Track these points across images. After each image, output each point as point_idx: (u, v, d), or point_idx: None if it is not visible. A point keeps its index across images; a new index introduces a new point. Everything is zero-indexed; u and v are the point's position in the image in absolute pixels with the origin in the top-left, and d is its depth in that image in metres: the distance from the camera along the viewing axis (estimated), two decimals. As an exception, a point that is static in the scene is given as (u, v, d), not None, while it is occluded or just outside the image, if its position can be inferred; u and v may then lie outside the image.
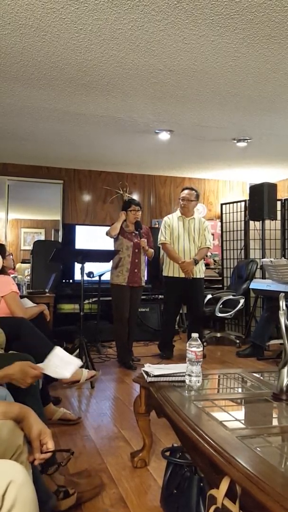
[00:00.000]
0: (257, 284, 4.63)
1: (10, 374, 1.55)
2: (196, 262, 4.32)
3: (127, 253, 4.16)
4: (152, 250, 4.30)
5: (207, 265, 6.13)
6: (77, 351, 3.55)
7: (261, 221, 5.26)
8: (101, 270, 4.91)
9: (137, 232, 4.20)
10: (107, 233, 4.22)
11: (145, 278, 4.36)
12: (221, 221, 6.30)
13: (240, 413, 1.71)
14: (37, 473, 1.43)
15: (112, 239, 4.25)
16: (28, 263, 5.85)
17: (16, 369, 1.56)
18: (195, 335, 1.89)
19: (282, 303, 1.76)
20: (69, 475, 1.93)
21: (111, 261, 4.23)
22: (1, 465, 1.04)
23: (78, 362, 1.84)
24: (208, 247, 4.46)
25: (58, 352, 1.81)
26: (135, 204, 4.27)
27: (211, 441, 1.27)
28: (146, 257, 4.36)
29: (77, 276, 4.92)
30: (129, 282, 4.14)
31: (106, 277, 4.93)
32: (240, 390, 2.04)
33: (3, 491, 0.96)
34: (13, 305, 2.88)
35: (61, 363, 1.77)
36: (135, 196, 6.44)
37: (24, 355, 1.81)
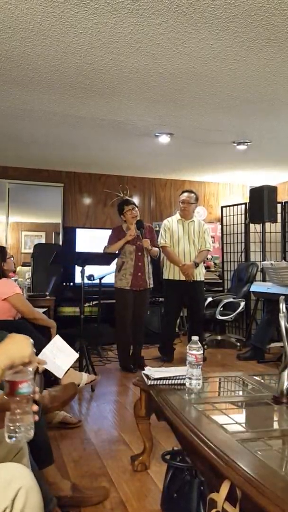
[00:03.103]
0: (258, 286, 4.63)
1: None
2: (196, 265, 4.32)
3: (130, 257, 4.09)
4: (157, 249, 4.22)
5: (207, 267, 6.13)
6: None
7: (261, 224, 5.27)
8: (102, 273, 4.91)
9: (139, 233, 4.06)
10: (106, 252, 4.06)
11: (151, 279, 4.21)
12: (222, 224, 6.30)
13: (240, 417, 1.70)
14: (38, 475, 1.43)
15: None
16: (29, 266, 5.85)
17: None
18: (195, 338, 1.89)
19: (282, 306, 1.75)
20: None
21: (114, 264, 4.19)
22: (10, 468, 1.04)
23: (75, 355, 1.91)
24: (208, 250, 4.46)
25: (58, 341, 1.88)
26: (128, 204, 4.16)
27: (212, 445, 1.26)
28: (150, 258, 4.22)
29: (78, 279, 4.91)
30: (132, 286, 4.07)
31: (107, 280, 4.93)
32: (240, 393, 2.04)
33: (13, 495, 0.96)
34: (20, 305, 2.92)
35: (60, 354, 1.83)
36: (135, 199, 6.43)
37: None
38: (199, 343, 1.87)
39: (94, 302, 5.24)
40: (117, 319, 4.18)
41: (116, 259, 4.14)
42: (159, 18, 2.43)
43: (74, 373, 2.69)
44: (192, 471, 1.59)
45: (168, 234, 4.40)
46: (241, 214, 5.93)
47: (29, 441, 1.42)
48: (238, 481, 1.08)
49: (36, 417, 1.06)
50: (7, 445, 1.19)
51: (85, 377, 2.69)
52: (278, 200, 5.39)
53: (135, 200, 6.36)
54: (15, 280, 4.34)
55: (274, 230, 5.73)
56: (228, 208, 6.21)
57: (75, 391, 2.27)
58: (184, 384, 1.88)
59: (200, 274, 4.42)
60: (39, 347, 1.93)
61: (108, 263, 4.21)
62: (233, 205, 6.14)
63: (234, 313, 5.02)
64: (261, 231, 5.30)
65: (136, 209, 4.18)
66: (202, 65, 2.97)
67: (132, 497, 1.86)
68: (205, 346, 4.89)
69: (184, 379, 1.89)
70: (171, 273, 4.40)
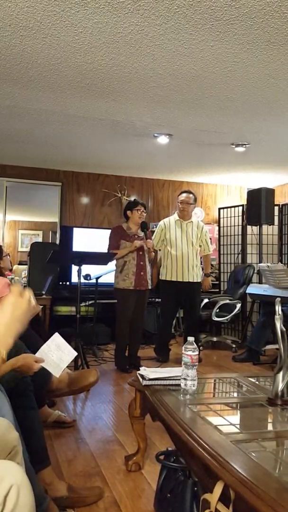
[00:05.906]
0: (254, 288, 4.63)
1: (16, 367, 1.68)
2: (208, 275, 4.67)
3: (131, 256, 4.07)
4: (153, 253, 4.26)
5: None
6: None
7: (258, 226, 5.28)
8: (98, 272, 4.91)
9: (141, 234, 4.15)
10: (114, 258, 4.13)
11: (150, 280, 4.22)
12: (219, 226, 6.31)
13: (235, 418, 1.71)
14: (32, 474, 1.42)
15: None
16: (26, 265, 5.84)
17: (22, 362, 1.68)
18: (191, 339, 1.89)
19: (278, 308, 1.76)
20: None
21: (113, 265, 4.19)
22: (2, 466, 1.03)
23: (73, 354, 1.91)
24: (209, 253, 4.58)
25: (56, 339, 1.88)
26: (140, 204, 4.19)
27: (206, 445, 1.26)
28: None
29: (74, 278, 4.91)
30: (136, 286, 4.06)
31: (103, 279, 4.93)
32: (235, 394, 2.04)
33: (5, 493, 0.96)
34: None
35: (58, 352, 1.84)
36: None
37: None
38: (194, 344, 1.87)
39: (90, 302, 5.24)
40: (118, 320, 4.16)
41: (115, 260, 4.15)
42: (160, 19, 2.43)
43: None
44: (186, 471, 1.59)
45: (157, 237, 4.44)
46: (238, 216, 5.94)
47: (26, 444, 1.42)
48: (231, 482, 1.08)
49: None
50: (0, 444, 1.19)
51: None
52: (275, 203, 5.40)
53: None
54: (11, 279, 4.33)
55: (271, 232, 5.74)
56: (225, 209, 6.22)
57: (96, 378, 2.21)
58: (179, 385, 1.88)
59: (196, 275, 4.43)
60: (35, 346, 1.92)
61: (105, 263, 4.21)
62: (231, 207, 6.15)
63: (230, 315, 5.03)
64: (258, 233, 5.32)
65: (145, 214, 4.21)
66: (202, 66, 2.98)
67: (126, 497, 1.86)
68: (201, 347, 4.90)
69: (179, 379, 1.89)
70: (168, 274, 4.40)
